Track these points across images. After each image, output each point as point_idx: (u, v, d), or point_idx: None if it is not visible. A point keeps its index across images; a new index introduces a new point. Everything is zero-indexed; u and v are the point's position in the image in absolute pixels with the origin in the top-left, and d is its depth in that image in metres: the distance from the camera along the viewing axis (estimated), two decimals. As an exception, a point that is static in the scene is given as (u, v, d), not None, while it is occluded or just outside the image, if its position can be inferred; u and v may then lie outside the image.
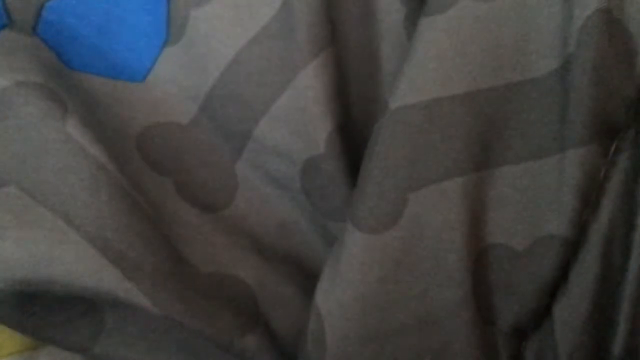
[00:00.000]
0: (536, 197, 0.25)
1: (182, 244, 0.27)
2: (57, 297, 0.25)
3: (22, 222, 0.24)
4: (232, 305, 0.26)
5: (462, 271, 0.25)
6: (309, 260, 0.28)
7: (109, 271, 0.24)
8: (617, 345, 0.25)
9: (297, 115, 0.27)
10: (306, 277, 0.28)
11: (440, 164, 0.25)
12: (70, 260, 0.24)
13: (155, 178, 0.28)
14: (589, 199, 0.24)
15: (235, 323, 0.26)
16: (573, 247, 0.24)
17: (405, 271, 0.25)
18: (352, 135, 0.27)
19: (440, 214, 0.25)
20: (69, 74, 0.28)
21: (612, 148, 0.25)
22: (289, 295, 0.27)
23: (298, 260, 0.28)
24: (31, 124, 0.25)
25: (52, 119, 0.25)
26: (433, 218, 0.25)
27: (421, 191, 0.24)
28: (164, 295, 0.24)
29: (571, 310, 0.25)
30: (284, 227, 0.29)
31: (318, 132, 0.26)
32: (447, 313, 0.25)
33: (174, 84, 0.29)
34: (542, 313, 0.25)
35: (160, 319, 0.25)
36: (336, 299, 0.25)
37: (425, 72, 0.25)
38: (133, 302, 0.24)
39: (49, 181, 0.25)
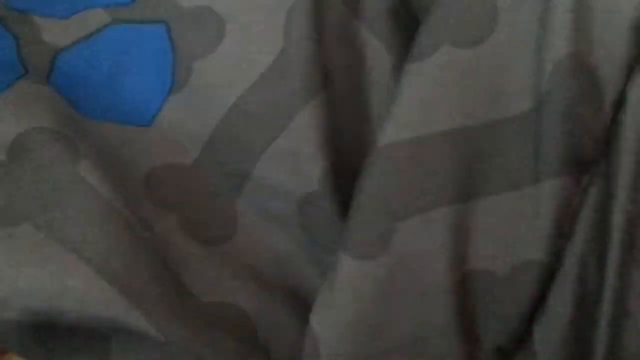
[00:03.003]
0: (515, 225, 0.26)
1: (185, 275, 0.28)
2: (64, 327, 0.26)
3: (36, 257, 0.26)
4: (233, 333, 0.27)
5: (447, 295, 0.26)
6: (304, 290, 0.29)
7: (117, 300, 0.25)
8: None
9: (292, 156, 0.28)
10: (303, 307, 0.28)
11: (425, 195, 0.26)
12: (81, 291, 0.25)
13: (160, 214, 0.29)
14: (564, 226, 0.26)
15: (237, 350, 0.27)
16: (551, 271, 0.26)
17: (395, 295, 0.26)
18: (345, 174, 0.29)
19: (426, 241, 0.26)
20: (82, 121, 0.30)
21: (585, 180, 0.26)
22: (286, 323, 0.28)
23: (294, 291, 0.29)
24: (45, 166, 0.27)
25: (65, 162, 0.27)
26: (419, 245, 0.26)
27: (408, 220, 0.26)
28: (168, 322, 0.25)
29: (551, 331, 0.26)
30: (281, 260, 0.30)
31: (312, 170, 0.28)
32: (436, 333, 0.26)
33: (178, 128, 0.30)
34: (524, 334, 0.26)
35: (165, 347, 0.26)
36: (330, 322, 0.26)
37: (409, 112, 0.27)
38: (139, 329, 0.25)
39: (62, 219, 0.26)
